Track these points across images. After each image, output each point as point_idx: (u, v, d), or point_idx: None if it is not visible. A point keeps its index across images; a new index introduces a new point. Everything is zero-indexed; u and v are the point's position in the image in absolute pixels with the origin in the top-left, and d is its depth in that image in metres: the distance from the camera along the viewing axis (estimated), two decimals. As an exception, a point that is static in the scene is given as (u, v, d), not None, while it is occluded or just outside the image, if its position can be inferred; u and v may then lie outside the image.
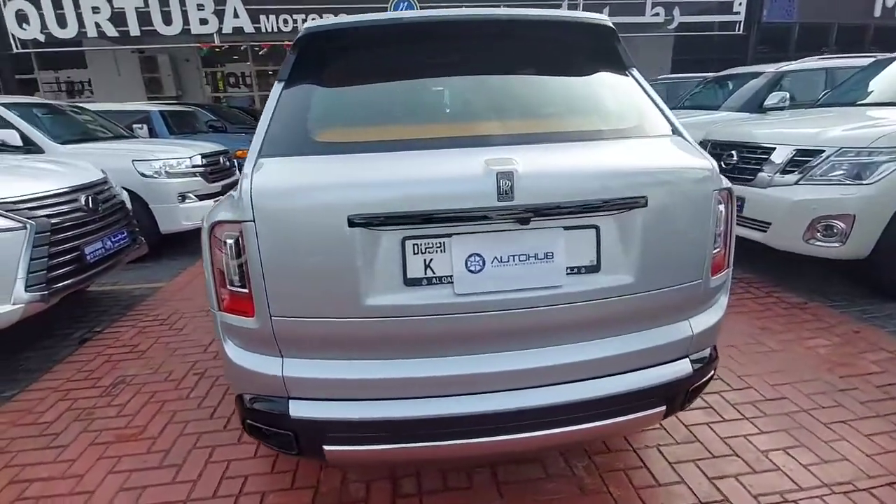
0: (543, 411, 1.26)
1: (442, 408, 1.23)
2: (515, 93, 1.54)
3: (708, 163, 1.31)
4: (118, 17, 7.70)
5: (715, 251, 1.37)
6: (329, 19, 1.52)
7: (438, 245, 1.17)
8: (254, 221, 1.15)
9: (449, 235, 1.17)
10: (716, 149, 3.84)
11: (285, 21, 8.18)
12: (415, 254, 1.17)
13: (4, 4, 7.36)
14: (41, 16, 7.54)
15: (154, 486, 1.73)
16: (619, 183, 1.21)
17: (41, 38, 7.49)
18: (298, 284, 1.18)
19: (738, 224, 3.16)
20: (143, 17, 7.77)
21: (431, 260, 1.17)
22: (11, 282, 2.27)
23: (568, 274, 1.21)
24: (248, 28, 8.13)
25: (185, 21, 7.88)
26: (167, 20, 7.83)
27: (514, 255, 1.19)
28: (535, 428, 1.28)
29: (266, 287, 1.18)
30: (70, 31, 7.54)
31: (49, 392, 2.33)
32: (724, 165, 3.65)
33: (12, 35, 7.48)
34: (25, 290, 2.29)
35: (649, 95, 1.51)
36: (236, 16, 8.00)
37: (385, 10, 7.79)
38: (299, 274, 1.17)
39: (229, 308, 1.27)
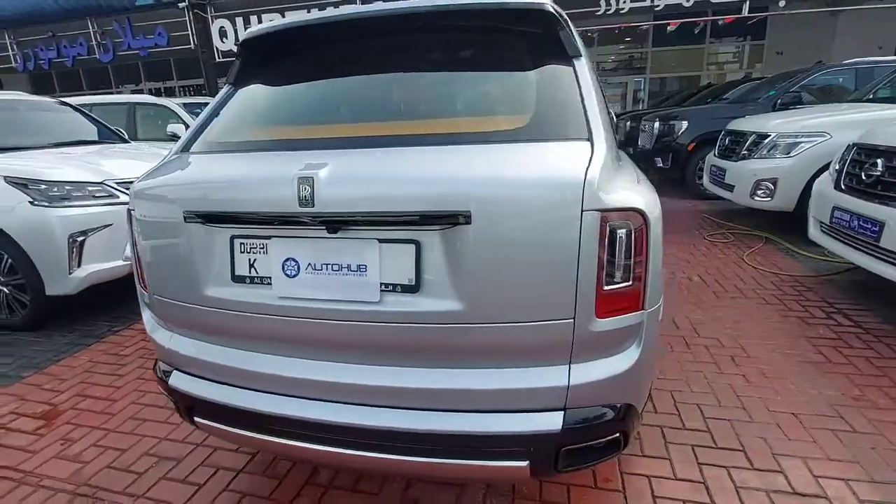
0: (373, 432, 1.19)
1: (271, 405, 1.25)
2: (417, 92, 1.43)
3: (578, 178, 1.04)
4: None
5: (613, 287, 1.10)
6: (270, 22, 1.60)
7: (261, 246, 1.19)
8: (131, 210, 1.33)
9: (269, 238, 1.18)
10: (861, 155, 2.93)
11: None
12: (241, 252, 1.21)
13: (212, 21, 9.33)
14: (235, 31, 9.37)
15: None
16: (439, 194, 1.05)
17: (236, 49, 9.29)
18: (161, 268, 1.32)
19: (877, 258, 2.48)
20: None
21: (255, 260, 1.20)
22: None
23: (382, 291, 1.11)
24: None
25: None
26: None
27: (326, 264, 1.14)
28: (365, 447, 1.21)
29: (143, 267, 1.35)
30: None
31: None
32: (864, 178, 2.78)
33: (216, 48, 9.46)
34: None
35: (580, 92, 1.26)
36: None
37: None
38: (160, 259, 1.31)
39: (140, 283, 1.47)
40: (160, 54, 10.09)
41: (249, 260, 1.20)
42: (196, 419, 1.41)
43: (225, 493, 1.71)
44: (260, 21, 9.30)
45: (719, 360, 2.44)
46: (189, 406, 1.41)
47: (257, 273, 1.20)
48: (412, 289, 1.10)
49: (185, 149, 1.45)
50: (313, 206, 1.08)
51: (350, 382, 1.19)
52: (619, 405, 1.18)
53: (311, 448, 1.26)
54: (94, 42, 9.93)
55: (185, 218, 1.20)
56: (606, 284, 1.09)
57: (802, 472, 1.68)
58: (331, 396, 1.22)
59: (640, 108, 11.67)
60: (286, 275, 1.17)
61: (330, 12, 1.45)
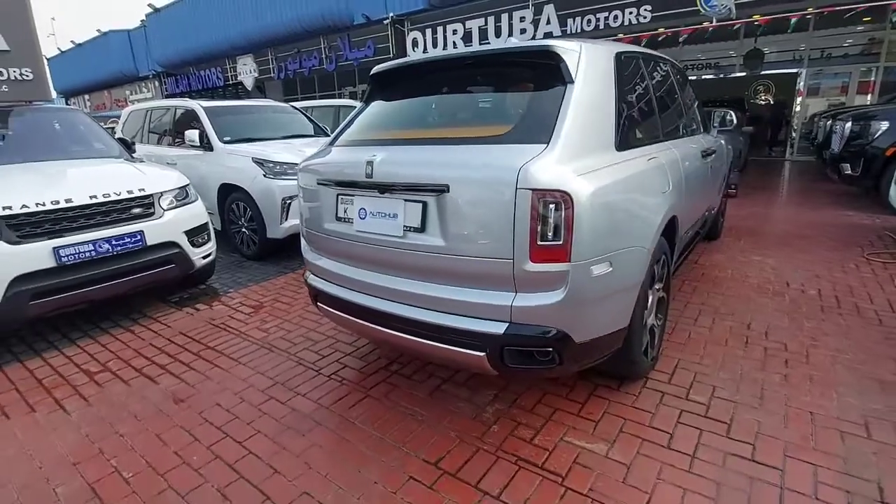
0: (399, 318, 1.94)
1: (354, 297, 2.11)
2: (446, 108, 2.09)
3: (516, 167, 1.59)
4: (468, 36, 10.30)
5: (545, 243, 1.63)
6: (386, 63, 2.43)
7: (349, 200, 2.03)
8: (297, 179, 2.32)
9: (353, 195, 2.01)
10: None
11: (589, 21, 8.85)
12: (341, 204, 2.07)
13: (408, 33, 11.08)
14: (425, 42, 10.95)
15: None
16: (432, 174, 1.72)
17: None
18: (308, 212, 2.27)
19: None
20: (483, 34, 10.10)
21: (347, 209, 2.05)
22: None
23: (405, 230, 1.84)
24: (556, 32, 9.24)
25: (510, 31, 9.70)
26: (497, 33, 9.88)
27: (378, 212, 1.91)
28: (396, 328, 1.98)
29: (301, 212, 2.34)
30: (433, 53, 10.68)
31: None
32: None
33: (409, 55, 11.22)
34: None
35: (560, 109, 1.78)
36: (548, 22, 9.24)
37: None
38: (308, 207, 2.27)
39: (301, 222, 2.48)
40: (369, 63, 12.28)
41: (345, 209, 2.06)
42: (318, 304, 2.36)
43: (335, 363, 2.68)
44: (445, 31, 10.68)
45: (770, 359, 2.49)
46: (314, 295, 2.36)
47: (347, 216, 2.05)
48: (420, 230, 1.81)
49: (331, 143, 2.38)
50: (372, 178, 1.87)
51: (388, 286, 1.96)
52: (551, 328, 1.69)
53: (369, 326, 2.07)
54: (323, 55, 12.74)
55: (317, 182, 2.12)
56: (540, 240, 1.62)
57: (775, 451, 1.84)
58: (379, 294, 2.01)
59: (871, 101, 9.70)
60: (359, 217, 1.99)
61: (411, 58, 2.20)
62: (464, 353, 1.81)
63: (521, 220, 1.60)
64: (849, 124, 5.86)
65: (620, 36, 8.52)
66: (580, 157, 1.72)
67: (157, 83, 18.56)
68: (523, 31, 9.57)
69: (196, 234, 3.59)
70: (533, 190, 1.58)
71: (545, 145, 1.67)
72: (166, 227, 3.35)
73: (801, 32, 9.96)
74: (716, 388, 2.26)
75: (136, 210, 3.23)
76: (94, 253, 2.98)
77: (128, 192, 3.21)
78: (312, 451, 1.98)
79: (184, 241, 3.46)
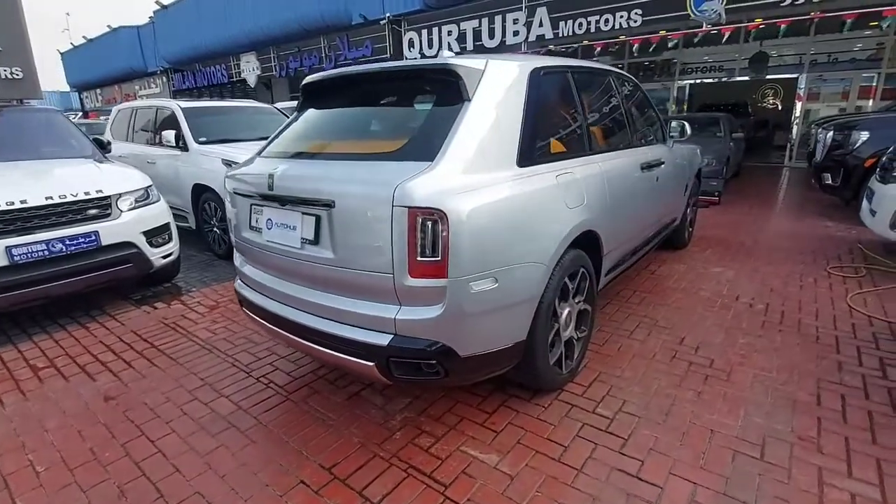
0: (302, 326, 2.00)
1: (268, 303, 2.17)
2: (350, 123, 2.14)
3: (392, 185, 1.63)
4: (462, 37, 10.31)
5: (423, 259, 1.67)
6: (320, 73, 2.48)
7: (260, 210, 2.09)
8: (225, 186, 2.38)
9: (262, 206, 2.07)
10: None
11: (580, 24, 8.80)
12: (253, 213, 2.13)
13: (404, 34, 11.13)
14: (420, 42, 10.99)
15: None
16: (320, 189, 1.77)
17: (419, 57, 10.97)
18: (232, 220, 2.33)
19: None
20: (478, 35, 10.10)
21: (258, 218, 2.11)
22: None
23: (302, 242, 1.89)
24: (549, 34, 9.21)
25: (503, 34, 9.70)
26: (491, 35, 9.87)
27: (281, 223, 1.97)
28: (301, 336, 2.03)
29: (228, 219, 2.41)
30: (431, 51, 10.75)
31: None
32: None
33: (405, 56, 11.27)
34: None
35: (453, 126, 1.81)
36: (541, 25, 9.21)
37: None
38: (231, 214, 2.33)
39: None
40: (366, 62, 12.39)
41: (256, 218, 2.12)
42: (244, 309, 2.43)
43: (268, 366, 2.75)
44: (440, 32, 10.71)
45: (691, 376, 2.50)
46: (240, 301, 2.43)
47: (258, 225, 2.11)
48: (314, 242, 1.86)
49: (258, 154, 2.44)
50: (273, 191, 1.93)
51: (292, 294, 2.02)
52: (434, 341, 1.73)
53: (281, 332, 2.13)
54: (323, 54, 12.86)
55: (234, 192, 2.19)
56: (419, 256, 1.66)
57: (662, 468, 1.86)
58: (286, 302, 2.07)
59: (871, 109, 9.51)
60: (267, 227, 2.05)
61: (332, 71, 2.24)
62: (356, 363, 1.86)
63: (398, 237, 1.65)
64: (830, 133, 5.78)
65: (624, 38, 8.46)
66: (467, 174, 1.75)
67: (164, 79, 18.87)
68: (516, 33, 9.56)
69: (155, 235, 3.69)
70: (409, 207, 1.63)
71: (430, 163, 1.71)
72: (123, 227, 3.45)
73: (802, 37, 9.81)
74: (626, 402, 2.28)
75: (93, 211, 3.33)
76: (47, 252, 3.09)
77: (85, 193, 3.31)
78: (217, 452, 2.05)
79: (141, 242, 3.56)
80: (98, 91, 23.63)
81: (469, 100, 1.87)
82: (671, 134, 3.76)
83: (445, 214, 1.61)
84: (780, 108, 16.97)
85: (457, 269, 1.66)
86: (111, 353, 3.00)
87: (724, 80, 12.36)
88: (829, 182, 5.77)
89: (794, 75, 10.89)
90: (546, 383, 2.28)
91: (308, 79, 2.38)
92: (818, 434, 2.03)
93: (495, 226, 1.75)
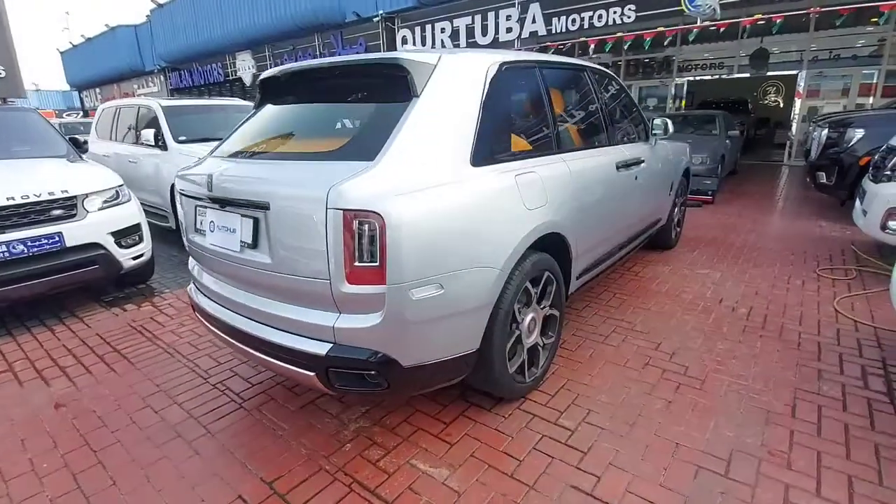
0: (246, 333, 1.91)
1: (215, 308, 2.08)
2: (305, 123, 2.04)
3: (327, 186, 1.53)
4: (455, 34, 10.21)
5: (361, 264, 1.57)
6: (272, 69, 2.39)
7: (204, 212, 2.00)
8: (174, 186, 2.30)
9: (206, 208, 1.98)
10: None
11: (573, 21, 8.67)
12: (198, 215, 2.04)
13: (398, 31, 11.03)
14: (414, 39, 10.90)
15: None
16: (257, 190, 1.68)
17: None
18: (183, 221, 2.25)
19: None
20: (471, 32, 9.98)
21: (202, 220, 2.02)
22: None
23: (241, 245, 1.80)
24: (542, 31, 9.08)
25: (496, 30, 9.58)
26: (484, 32, 9.75)
27: (222, 225, 1.88)
28: (245, 343, 1.94)
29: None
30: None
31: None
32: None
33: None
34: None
35: (399, 124, 1.72)
36: (534, 21, 9.09)
37: None
38: (181, 215, 2.24)
39: (186, 229, 2.46)
40: (362, 60, 12.27)
41: (200, 220, 2.03)
42: (196, 314, 2.34)
43: (227, 371, 2.66)
44: (433, 29, 10.61)
45: (662, 384, 2.40)
46: (193, 305, 2.35)
47: (202, 227, 2.02)
48: (252, 246, 1.77)
49: (211, 153, 2.35)
50: (212, 192, 1.84)
51: (235, 300, 1.93)
52: (374, 351, 1.64)
53: (227, 339, 2.04)
54: (317, 52, 12.77)
55: (181, 193, 2.10)
56: (356, 261, 1.57)
57: (618, 485, 1.76)
58: (231, 307, 1.98)
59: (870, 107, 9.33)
60: (210, 230, 1.96)
61: (284, 67, 2.14)
62: (298, 372, 1.77)
63: (334, 241, 1.55)
64: (825, 131, 5.64)
65: (624, 34, 8.32)
66: (410, 174, 1.65)
67: (162, 78, 18.85)
68: (509, 29, 9.44)
69: (125, 236, 3.61)
70: (343, 210, 1.53)
71: (369, 162, 1.61)
72: (89, 228, 3.37)
73: (802, 33, 9.63)
74: (591, 412, 2.18)
75: (57, 211, 3.26)
76: (7, 254, 3.02)
77: (49, 193, 3.24)
78: (160, 464, 1.96)
79: (109, 243, 3.48)
80: (98, 90, 23.67)
81: (417, 96, 1.78)
82: (654, 132, 3.65)
83: (382, 217, 1.52)
84: (781, 105, 16.77)
85: (396, 275, 1.56)
86: (72, 357, 2.92)
87: (723, 77, 12.18)
88: (824, 181, 5.63)
89: (795, 72, 10.70)
90: (507, 392, 2.18)
91: (263, 74, 2.29)
92: (789, 448, 1.92)
93: (440, 229, 1.65)
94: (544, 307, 2.32)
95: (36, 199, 3.17)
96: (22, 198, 3.11)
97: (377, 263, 1.56)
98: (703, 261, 4.33)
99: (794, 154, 10.74)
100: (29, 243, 3.09)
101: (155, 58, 18.01)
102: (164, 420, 2.26)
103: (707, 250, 4.65)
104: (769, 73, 12.50)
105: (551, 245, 2.30)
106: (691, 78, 12.44)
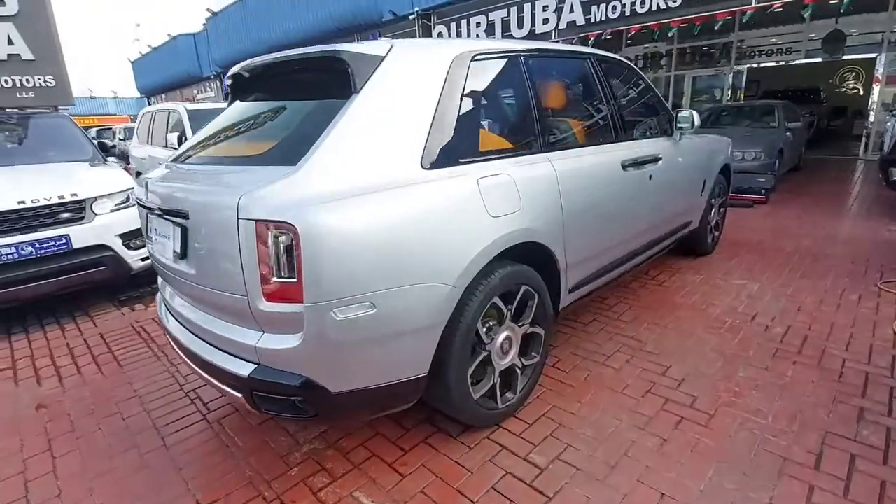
0: (182, 346, 1.82)
1: (167, 317, 2.01)
2: (246, 124, 1.90)
3: (238, 194, 1.38)
4: (491, 28, 9.90)
5: (278, 280, 1.42)
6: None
7: (151, 219, 1.92)
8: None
9: (150, 216, 1.90)
10: None
11: (614, 8, 8.13)
12: (148, 222, 1.97)
13: (434, 27, 10.87)
14: (449, 34, 10.71)
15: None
16: (176, 197, 1.56)
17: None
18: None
19: None
20: (506, 25, 9.64)
21: (150, 227, 1.94)
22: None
23: (173, 254, 1.70)
24: (580, 21, 8.60)
25: (532, 22, 9.19)
26: (520, 24, 9.39)
27: (162, 234, 1.79)
28: (185, 355, 1.85)
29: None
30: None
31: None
32: None
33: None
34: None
35: (331, 123, 1.55)
36: (572, 11, 8.62)
37: None
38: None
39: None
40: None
41: (149, 227, 1.96)
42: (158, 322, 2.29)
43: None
44: (468, 24, 10.37)
45: (662, 417, 2.08)
46: (158, 316, 2.30)
47: (150, 234, 1.95)
48: (181, 256, 1.66)
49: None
50: (147, 199, 1.75)
51: (180, 311, 1.84)
52: (298, 375, 1.48)
53: (175, 349, 1.96)
54: (356, 53, 12.89)
55: (136, 201, 2.04)
56: (274, 276, 1.42)
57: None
58: (177, 318, 1.89)
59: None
60: (155, 238, 1.88)
61: (241, 63, 2.02)
62: (229, 392, 1.65)
63: (248, 254, 1.41)
64: (903, 121, 4.89)
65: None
66: (339, 180, 1.47)
67: (218, 83, 19.84)
68: (546, 20, 9.03)
69: (134, 237, 3.69)
70: (255, 220, 1.38)
71: (292, 167, 1.45)
72: (96, 230, 3.46)
73: (880, 13, 8.53)
74: (569, 448, 1.92)
75: (65, 214, 3.37)
76: (16, 255, 3.14)
77: (59, 197, 3.35)
78: (108, 477, 1.91)
79: (117, 244, 3.57)
80: (163, 96, 25.33)
81: (357, 92, 1.59)
82: (680, 125, 3.25)
83: (296, 228, 1.35)
84: (861, 92, 15.08)
85: (314, 293, 1.39)
86: (69, 356, 2.99)
87: (787, 63, 11.08)
88: (899, 178, 4.90)
89: (874, 55, 9.52)
90: (472, 420, 1.96)
91: (230, 71, 2.19)
92: (798, 509, 1.57)
93: (373, 241, 1.46)
94: (523, 325, 2.07)
95: (46, 203, 3.29)
96: (32, 201, 3.24)
97: (294, 280, 1.39)
98: (741, 269, 3.85)
99: (871, 147, 9.55)
100: (37, 245, 3.21)
101: (211, 64, 18.99)
102: (128, 428, 2.23)
103: (749, 257, 4.15)
104: (844, 58, 11.24)
105: (532, 255, 2.05)
106: (753, 65, 11.41)
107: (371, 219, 1.47)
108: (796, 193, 6.85)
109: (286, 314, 1.43)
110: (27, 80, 6.34)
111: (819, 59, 11.29)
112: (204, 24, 18.44)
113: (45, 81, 6.41)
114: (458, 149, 1.79)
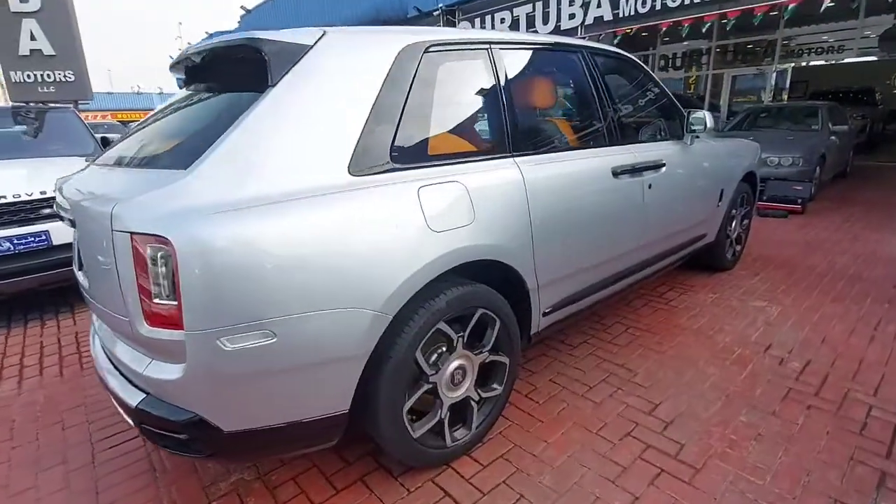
0: (96, 361, 1.66)
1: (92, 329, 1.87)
2: (166, 123, 1.71)
3: (112, 202, 1.20)
4: (516, 23, 9.56)
5: (160, 302, 1.23)
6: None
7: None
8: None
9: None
10: None
11: (644, 2, 7.65)
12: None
13: (458, 23, 10.62)
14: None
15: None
16: (64, 202, 1.40)
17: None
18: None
19: None
20: (531, 21, 9.29)
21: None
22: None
23: (76, 263, 1.55)
24: (608, 16, 8.16)
25: (558, 17, 8.80)
26: (545, 19, 9.02)
27: (71, 241, 1.64)
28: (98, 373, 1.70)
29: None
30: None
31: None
32: None
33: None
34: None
35: (237, 121, 1.35)
36: (599, 6, 8.19)
37: None
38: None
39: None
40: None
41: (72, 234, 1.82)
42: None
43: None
44: (493, 20, 10.06)
45: (634, 468, 1.79)
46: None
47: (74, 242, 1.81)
48: (80, 267, 1.50)
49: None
50: (58, 203, 1.60)
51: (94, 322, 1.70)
52: (186, 411, 1.29)
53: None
54: (381, 50, 12.80)
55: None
56: (154, 298, 1.23)
57: None
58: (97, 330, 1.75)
59: None
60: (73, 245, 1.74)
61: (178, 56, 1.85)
62: (128, 421, 1.48)
63: (124, 270, 1.23)
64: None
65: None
66: (238, 187, 1.27)
67: (250, 79, 20.21)
68: (572, 15, 8.63)
69: (119, 234, 3.63)
70: (130, 233, 1.20)
71: (182, 170, 1.26)
72: (78, 226, 3.41)
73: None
74: (522, 499, 1.66)
75: (46, 210, 3.32)
76: (-6, 250, 3.12)
77: (40, 192, 3.31)
78: (25, 495, 1.79)
79: (100, 241, 3.51)
80: (201, 92, 26.08)
81: (272, 85, 1.39)
82: (693, 127, 2.90)
83: (172, 244, 1.15)
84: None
85: (196, 319, 1.20)
86: (39, 355, 2.94)
87: (838, 62, 10.26)
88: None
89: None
90: (411, 460, 1.73)
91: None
92: None
93: (272, 259, 1.25)
94: (481, 353, 1.82)
95: (28, 198, 3.25)
96: (14, 196, 3.21)
97: (175, 303, 1.20)
98: (763, 289, 3.45)
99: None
100: (15, 241, 3.17)
101: (243, 61, 19.34)
102: (65, 440, 2.11)
103: (774, 275, 3.73)
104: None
105: (494, 275, 1.80)
106: (801, 64, 10.62)
107: (273, 233, 1.26)
108: (839, 203, 6.25)
109: (167, 342, 1.24)
110: (48, 76, 6.47)
111: (874, 58, 10.41)
112: (238, 23, 18.79)
113: (65, 76, 6.53)
114: (399, 152, 1.56)
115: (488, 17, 10.12)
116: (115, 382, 1.45)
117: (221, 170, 1.26)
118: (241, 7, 17.69)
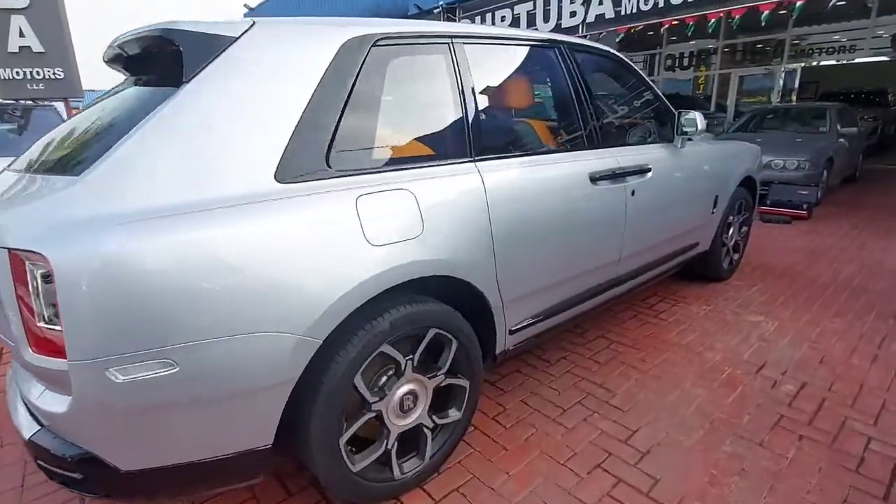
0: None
1: None
2: (88, 118, 1.55)
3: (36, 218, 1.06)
4: (517, 21, 9.38)
5: (45, 326, 1.09)
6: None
7: None
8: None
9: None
10: None
11: (646, 0, 7.44)
12: None
13: (459, 21, 10.47)
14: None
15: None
16: None
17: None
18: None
19: None
20: (532, 19, 9.11)
21: None
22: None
23: None
24: (609, 13, 7.95)
25: (559, 15, 8.60)
26: (546, 17, 8.82)
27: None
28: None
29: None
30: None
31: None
32: None
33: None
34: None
35: (141, 122, 1.20)
36: (601, 3, 7.99)
37: None
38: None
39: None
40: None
41: None
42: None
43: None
44: (493, 18, 9.89)
45: (604, 505, 1.63)
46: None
47: None
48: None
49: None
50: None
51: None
52: (77, 447, 1.15)
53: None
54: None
55: None
56: (39, 321, 1.09)
57: None
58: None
59: None
60: None
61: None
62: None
63: (4, 289, 1.09)
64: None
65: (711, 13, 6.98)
66: (136, 197, 1.12)
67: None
68: (573, 13, 8.43)
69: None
70: (8, 249, 1.05)
71: (74, 177, 1.12)
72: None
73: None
74: (472, 542, 1.50)
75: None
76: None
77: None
78: (-61, 526, 1.66)
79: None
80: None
81: (186, 81, 1.24)
82: (684, 129, 2.71)
83: (49, 261, 1.01)
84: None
85: (80, 347, 1.05)
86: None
87: (849, 62, 9.96)
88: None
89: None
90: (351, 497, 1.57)
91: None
92: None
93: (173, 278, 1.10)
94: (435, 376, 1.66)
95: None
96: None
97: (59, 328, 1.05)
98: (760, 301, 3.26)
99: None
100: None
101: (247, 59, 19.33)
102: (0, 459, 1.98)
103: (773, 286, 3.53)
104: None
105: (451, 291, 1.65)
106: (811, 64, 10.33)
107: (174, 248, 1.11)
108: (846, 208, 6.01)
109: (53, 371, 1.09)
110: (37, 73, 6.40)
111: (886, 58, 10.09)
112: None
113: (54, 74, 6.46)
114: (337, 158, 1.41)
115: (489, 15, 9.95)
116: (10, 407, 1.32)
117: (116, 178, 1.12)
118: (245, 5, 17.65)
